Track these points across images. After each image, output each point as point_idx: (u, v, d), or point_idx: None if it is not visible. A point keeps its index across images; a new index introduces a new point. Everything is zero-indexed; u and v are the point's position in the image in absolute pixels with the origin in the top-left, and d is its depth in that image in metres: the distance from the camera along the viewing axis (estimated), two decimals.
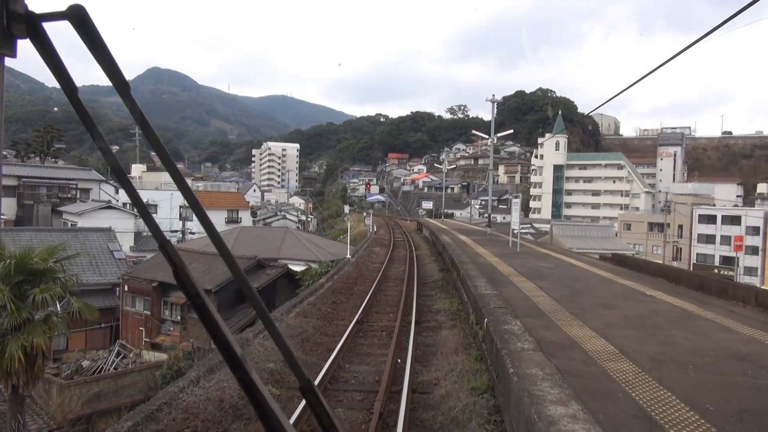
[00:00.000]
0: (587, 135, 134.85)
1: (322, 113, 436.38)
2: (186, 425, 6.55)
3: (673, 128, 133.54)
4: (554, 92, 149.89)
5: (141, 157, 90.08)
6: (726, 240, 59.78)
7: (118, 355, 23.89)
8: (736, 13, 6.96)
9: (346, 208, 65.99)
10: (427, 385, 8.31)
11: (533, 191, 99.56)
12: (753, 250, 59.22)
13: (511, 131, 47.67)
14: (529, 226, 64.30)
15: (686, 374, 5.43)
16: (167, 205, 44.39)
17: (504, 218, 67.87)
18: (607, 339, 6.75)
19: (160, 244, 0.80)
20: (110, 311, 26.63)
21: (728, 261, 58.15)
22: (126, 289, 25.76)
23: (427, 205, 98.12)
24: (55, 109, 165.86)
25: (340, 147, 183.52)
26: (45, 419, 19.01)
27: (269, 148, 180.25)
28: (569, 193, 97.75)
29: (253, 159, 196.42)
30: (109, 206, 40.65)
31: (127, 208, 40.71)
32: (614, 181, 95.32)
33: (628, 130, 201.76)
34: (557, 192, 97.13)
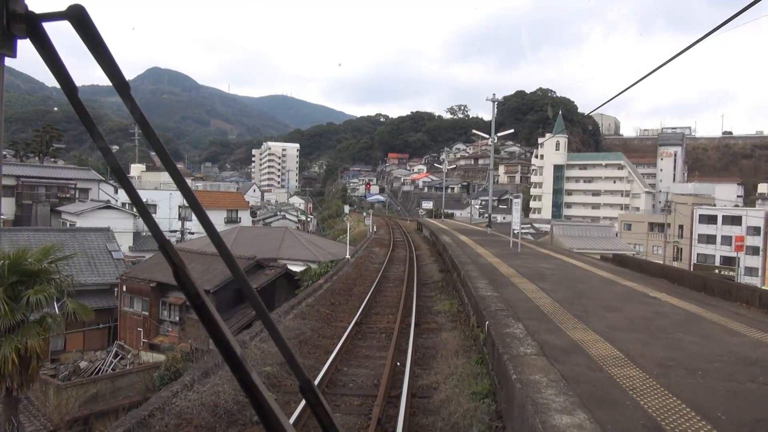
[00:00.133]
0: (587, 135, 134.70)
1: (322, 113, 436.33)
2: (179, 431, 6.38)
3: (673, 128, 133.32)
4: (554, 92, 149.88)
5: (141, 156, 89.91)
6: (726, 240, 59.62)
7: (116, 356, 23.74)
8: (736, 14, 6.82)
9: (346, 208, 65.78)
10: (427, 389, 8.13)
11: (533, 191, 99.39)
12: (753, 251, 59.04)
13: (512, 131, 47.49)
14: (529, 226, 64.14)
15: (695, 381, 5.25)
16: (166, 205, 44.23)
17: (504, 218, 67.71)
18: (612, 343, 6.57)
19: (160, 244, 0.80)
20: (108, 312, 26.49)
21: (729, 261, 57.99)
22: (124, 289, 25.60)
23: (427, 205, 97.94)
24: (55, 109, 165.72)
25: (340, 147, 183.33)
26: (42, 421, 18.86)
27: (269, 148, 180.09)
28: (569, 193, 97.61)
29: (253, 159, 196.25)
30: (107, 206, 40.49)
31: (126, 208, 40.57)
32: (614, 181, 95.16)
33: (628, 130, 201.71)
34: (557, 192, 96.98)
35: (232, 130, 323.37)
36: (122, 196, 46.13)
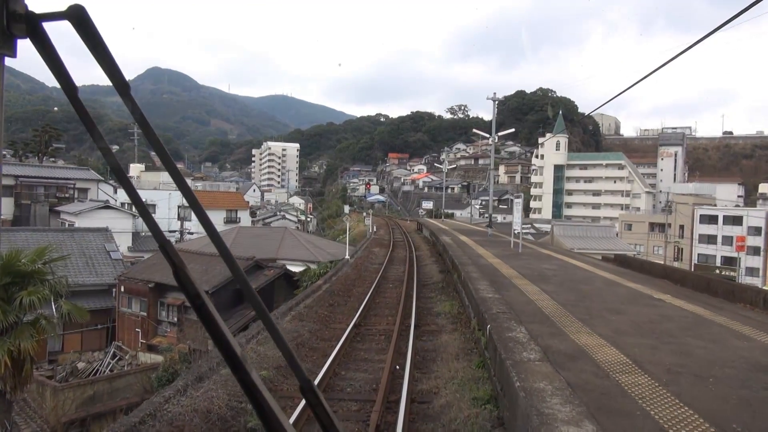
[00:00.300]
0: (588, 135, 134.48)
1: (322, 113, 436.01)
2: None
3: (673, 128, 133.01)
4: (554, 92, 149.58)
5: (140, 156, 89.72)
6: (727, 240, 59.40)
7: (114, 357, 23.58)
8: (737, 14, 6.64)
9: (346, 208, 65.55)
10: (427, 394, 7.92)
11: (534, 191, 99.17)
12: (754, 251, 58.82)
13: (512, 130, 47.24)
14: (529, 226, 63.89)
15: (707, 388, 5.03)
16: (165, 204, 44.03)
17: (504, 218, 67.52)
18: (619, 348, 6.35)
19: (160, 244, 0.80)
20: (106, 312, 26.33)
21: (729, 261, 57.77)
22: (122, 289, 25.41)
23: (428, 205, 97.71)
24: (55, 109, 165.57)
25: (340, 147, 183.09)
26: (38, 423, 18.69)
27: (269, 148, 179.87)
28: (570, 193, 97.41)
29: (253, 159, 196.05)
30: (106, 206, 40.27)
31: (126, 207, 40.37)
32: (615, 181, 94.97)
33: (628, 130, 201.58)
34: (558, 192, 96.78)
35: (232, 130, 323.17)
36: (121, 196, 45.95)
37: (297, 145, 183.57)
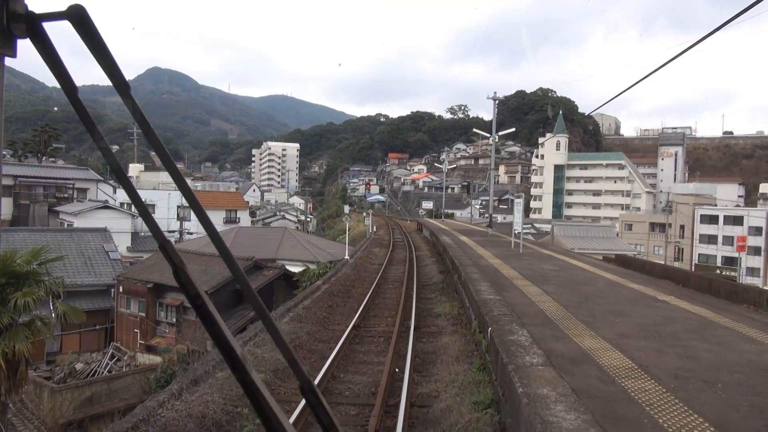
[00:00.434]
0: (588, 135, 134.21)
1: (322, 113, 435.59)
2: None
3: (674, 128, 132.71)
4: (555, 92, 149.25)
5: (140, 156, 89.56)
6: (728, 240, 59.24)
7: (113, 358, 23.42)
8: (737, 14, 6.50)
9: (346, 208, 65.45)
10: (427, 398, 7.77)
11: (534, 191, 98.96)
12: (755, 251, 58.66)
13: (513, 129, 47.00)
14: (529, 226, 63.70)
15: (716, 394, 4.87)
16: (165, 205, 43.87)
17: (504, 218, 67.36)
18: (623, 351, 6.20)
19: (160, 244, 0.80)
20: (105, 313, 26.21)
21: (730, 261, 57.60)
22: (121, 290, 25.29)
23: (428, 205, 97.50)
24: (55, 108, 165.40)
25: (340, 147, 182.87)
26: (36, 424, 18.55)
27: (269, 148, 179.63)
28: (570, 193, 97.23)
29: (253, 159, 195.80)
30: (105, 206, 40.15)
31: (125, 207, 40.23)
32: (615, 181, 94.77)
33: (628, 130, 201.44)
34: (558, 192, 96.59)
35: (232, 130, 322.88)
36: (121, 196, 45.81)
37: (297, 145, 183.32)
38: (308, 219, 75.35)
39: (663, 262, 32.62)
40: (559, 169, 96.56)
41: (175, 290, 22.78)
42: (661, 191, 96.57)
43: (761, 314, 9.40)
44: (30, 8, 0.78)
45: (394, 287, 18.13)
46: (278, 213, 70.41)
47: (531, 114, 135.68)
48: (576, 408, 4.39)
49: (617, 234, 59.07)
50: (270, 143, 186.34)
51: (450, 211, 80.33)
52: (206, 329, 0.75)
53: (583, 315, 8.37)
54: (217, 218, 49.74)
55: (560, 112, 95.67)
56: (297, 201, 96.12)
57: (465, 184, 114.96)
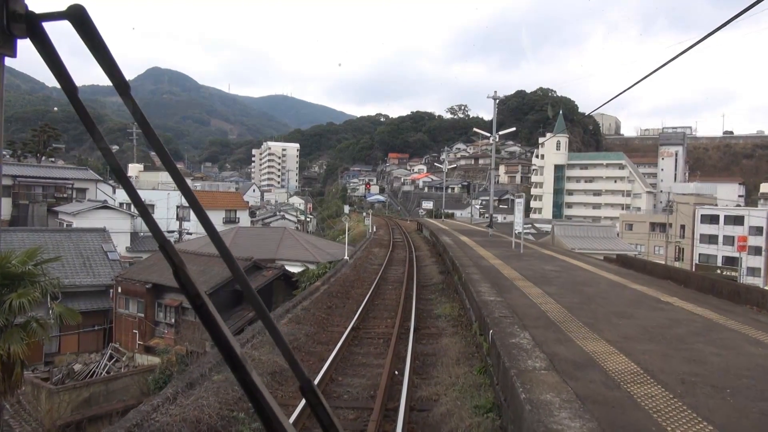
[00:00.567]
0: (588, 135, 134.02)
1: (322, 113, 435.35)
2: None
3: (674, 128, 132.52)
4: (555, 92, 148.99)
5: (140, 156, 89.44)
6: (729, 240, 59.11)
7: (111, 359, 23.29)
8: (737, 14, 6.37)
9: (346, 208, 65.30)
10: (427, 402, 7.63)
11: (534, 191, 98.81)
12: (756, 251, 58.52)
13: (513, 129, 46.85)
14: (530, 226, 63.57)
15: (724, 401, 4.73)
16: (164, 205, 43.73)
17: (504, 218, 67.22)
18: (628, 355, 6.05)
19: (160, 244, 0.80)
20: (104, 313, 26.08)
21: (731, 261, 57.47)
22: (120, 290, 25.15)
23: (428, 205, 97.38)
24: (55, 108, 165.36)
25: (340, 147, 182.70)
26: (33, 426, 18.42)
27: (269, 148, 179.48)
28: (570, 193, 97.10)
29: (253, 159, 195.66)
30: (105, 206, 40.02)
31: (125, 207, 40.10)
32: (615, 181, 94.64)
33: (629, 130, 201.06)
34: (558, 192, 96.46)
35: (232, 130, 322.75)
36: (120, 196, 45.67)
37: (297, 145, 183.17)
38: (308, 219, 75.21)
39: (664, 262, 32.48)
40: (559, 168, 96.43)
41: (174, 291, 22.64)
42: (661, 191, 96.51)
43: (766, 315, 9.27)
44: (30, 8, 0.78)
45: (393, 288, 18.00)
46: (278, 213, 70.29)
47: (531, 114, 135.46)
48: (581, 415, 4.25)
49: (618, 234, 58.94)
50: (270, 143, 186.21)
51: (450, 211, 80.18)
52: (206, 329, 0.75)
53: (585, 317, 8.24)
54: (216, 218, 49.61)
55: (560, 111, 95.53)
56: (297, 201, 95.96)
57: (465, 184, 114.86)
